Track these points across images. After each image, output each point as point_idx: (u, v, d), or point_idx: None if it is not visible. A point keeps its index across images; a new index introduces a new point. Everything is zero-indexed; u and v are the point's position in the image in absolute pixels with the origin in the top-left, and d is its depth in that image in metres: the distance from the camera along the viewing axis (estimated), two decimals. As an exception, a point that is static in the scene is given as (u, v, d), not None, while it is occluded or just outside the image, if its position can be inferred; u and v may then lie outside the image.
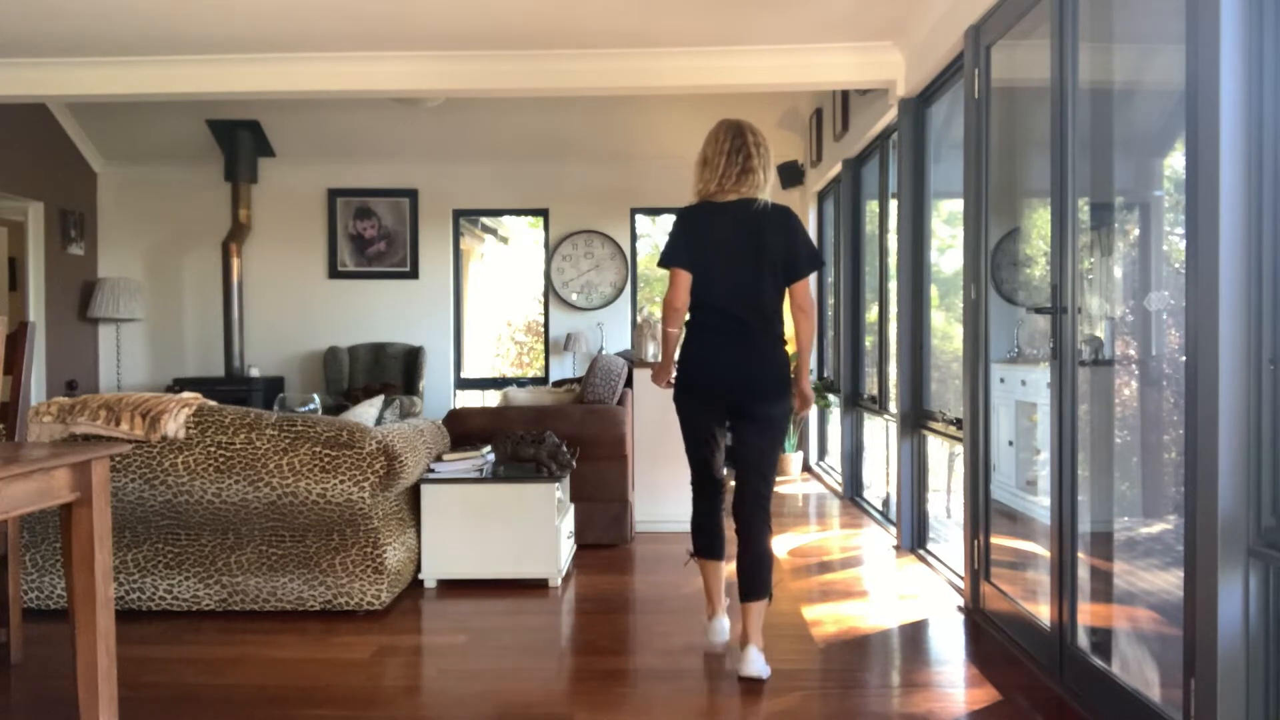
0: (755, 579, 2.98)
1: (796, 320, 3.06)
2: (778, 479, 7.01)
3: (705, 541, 3.16)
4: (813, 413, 7.56)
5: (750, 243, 2.96)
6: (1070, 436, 2.80)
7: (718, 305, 2.99)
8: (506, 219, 9.97)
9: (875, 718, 2.67)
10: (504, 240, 10.70)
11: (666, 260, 3.05)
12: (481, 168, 8.15)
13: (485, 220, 9.90)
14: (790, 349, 3.11)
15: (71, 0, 4.34)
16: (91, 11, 4.47)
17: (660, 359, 3.29)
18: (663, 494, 5.12)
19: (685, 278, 3.01)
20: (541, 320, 8.69)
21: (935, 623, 3.55)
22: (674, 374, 3.14)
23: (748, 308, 2.98)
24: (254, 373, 7.86)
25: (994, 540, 3.48)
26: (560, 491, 4.28)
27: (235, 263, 7.90)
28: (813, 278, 3.16)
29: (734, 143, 3.00)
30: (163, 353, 8.27)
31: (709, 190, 3.02)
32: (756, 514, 3.01)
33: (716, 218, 3.00)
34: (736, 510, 3.05)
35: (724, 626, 3.22)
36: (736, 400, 3.00)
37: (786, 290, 3.04)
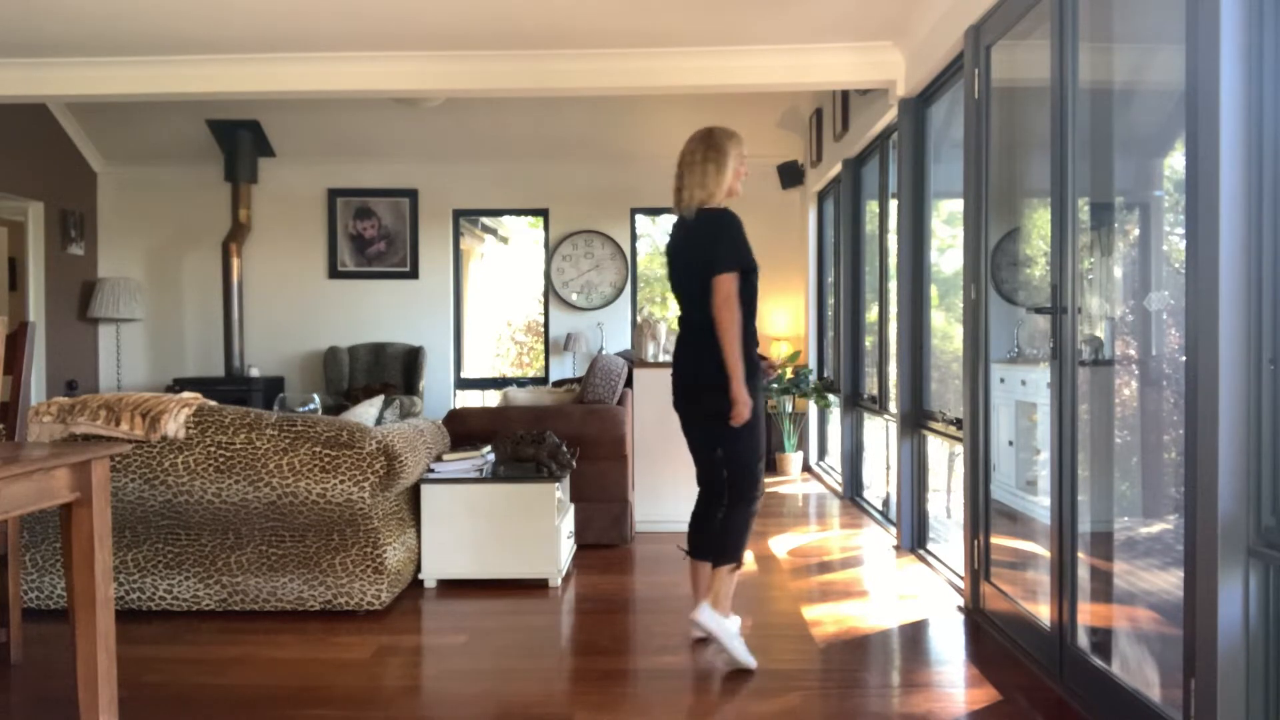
0: (708, 542, 3.20)
1: (715, 318, 3.05)
2: (777, 477, 7.00)
3: (692, 541, 3.30)
4: (813, 412, 7.56)
5: (685, 253, 3.19)
6: (1070, 436, 2.80)
7: (680, 315, 3.26)
8: (506, 219, 9.98)
9: (875, 718, 2.67)
10: (504, 240, 10.71)
11: None
12: (481, 168, 8.15)
13: (485, 220, 9.90)
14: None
15: (71, 0, 4.34)
16: (91, 11, 4.47)
17: None
18: (663, 494, 5.12)
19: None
20: (541, 320, 8.69)
21: (935, 623, 3.55)
22: None
23: (692, 314, 3.17)
24: (254, 373, 7.86)
25: (994, 540, 3.48)
26: (560, 491, 4.28)
27: (235, 263, 7.90)
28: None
29: (679, 163, 3.24)
30: (163, 353, 8.27)
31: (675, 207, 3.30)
32: (734, 502, 3.19)
33: (673, 233, 3.30)
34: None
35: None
36: (687, 402, 3.21)
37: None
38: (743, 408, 3.02)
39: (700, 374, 3.11)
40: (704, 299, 3.06)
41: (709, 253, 3.06)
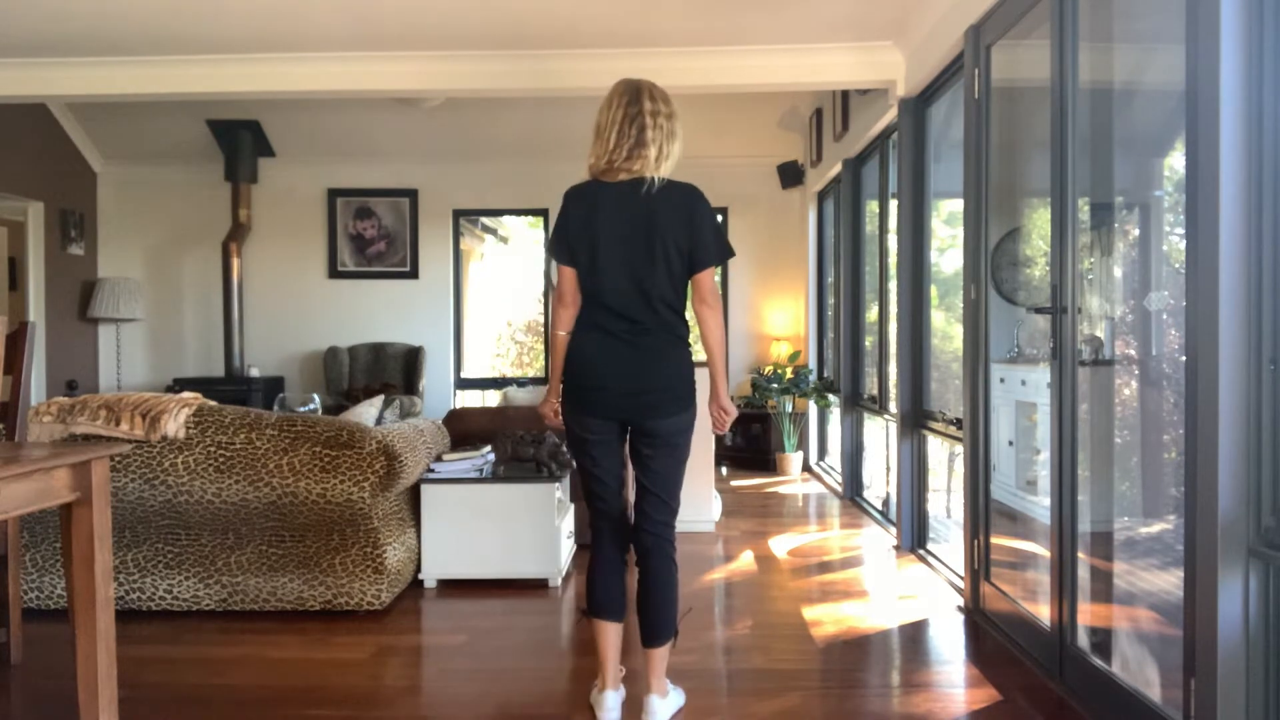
0: (659, 621, 2.59)
1: (701, 318, 2.57)
2: (777, 477, 7.00)
3: (601, 598, 2.61)
4: (813, 412, 7.56)
5: (642, 228, 2.51)
6: (1070, 436, 2.80)
7: (606, 303, 2.53)
8: (506, 219, 9.97)
9: (875, 718, 2.67)
10: (504, 240, 10.70)
11: (549, 250, 2.74)
12: (481, 168, 8.15)
13: (485, 220, 9.89)
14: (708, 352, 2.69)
15: (71, 0, 4.34)
16: (91, 11, 4.46)
17: (550, 377, 2.75)
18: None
19: (568, 273, 2.58)
20: (541, 320, 8.70)
21: (935, 623, 3.55)
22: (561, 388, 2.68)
23: (641, 304, 2.52)
24: (254, 373, 7.86)
25: (994, 540, 3.48)
26: (560, 491, 4.28)
27: (235, 263, 7.90)
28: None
29: (628, 111, 2.55)
30: (163, 353, 8.27)
31: (599, 167, 2.56)
32: (659, 546, 2.60)
33: (604, 199, 2.54)
34: (636, 541, 2.63)
35: (616, 702, 2.63)
36: (629, 414, 2.55)
37: (690, 283, 2.58)
38: (730, 415, 2.66)
39: (668, 376, 2.55)
40: (671, 286, 2.53)
41: (693, 233, 2.52)
